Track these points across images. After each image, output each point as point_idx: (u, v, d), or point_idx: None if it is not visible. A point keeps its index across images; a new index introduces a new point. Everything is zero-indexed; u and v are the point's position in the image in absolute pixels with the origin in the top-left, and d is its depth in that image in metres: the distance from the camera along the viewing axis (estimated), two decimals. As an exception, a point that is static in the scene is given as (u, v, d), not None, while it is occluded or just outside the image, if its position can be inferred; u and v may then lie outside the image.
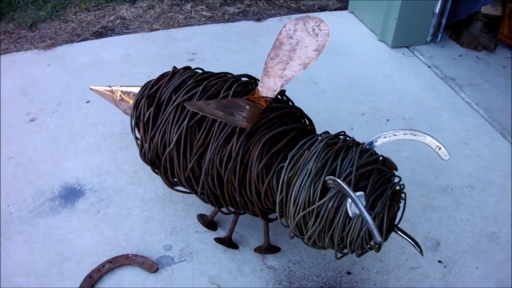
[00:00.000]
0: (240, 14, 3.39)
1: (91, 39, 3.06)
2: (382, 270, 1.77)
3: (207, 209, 1.94)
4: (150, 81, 1.79)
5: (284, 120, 1.56)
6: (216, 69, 2.90)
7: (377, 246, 1.42)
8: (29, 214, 1.94)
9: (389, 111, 2.54)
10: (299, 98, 2.62)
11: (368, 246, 1.39)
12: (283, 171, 1.43)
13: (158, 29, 3.18)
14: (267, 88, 1.59)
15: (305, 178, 1.38)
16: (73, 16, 3.23)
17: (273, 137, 1.49)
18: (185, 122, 1.56)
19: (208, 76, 1.72)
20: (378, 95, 2.67)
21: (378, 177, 1.39)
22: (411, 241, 1.43)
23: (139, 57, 2.92)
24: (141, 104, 1.72)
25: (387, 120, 2.48)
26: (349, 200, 1.30)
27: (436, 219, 1.98)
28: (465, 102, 2.61)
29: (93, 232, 1.88)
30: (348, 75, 2.84)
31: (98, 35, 3.10)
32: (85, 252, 1.80)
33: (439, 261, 1.82)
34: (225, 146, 1.50)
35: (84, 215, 1.95)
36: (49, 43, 2.94)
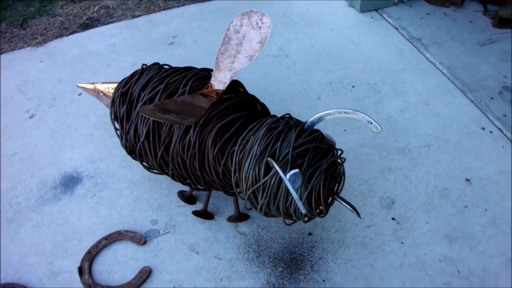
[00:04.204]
0: (218, -9, 3.51)
1: (79, 31, 3.26)
2: (340, 230, 2.02)
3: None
4: (124, 79, 2.01)
5: (235, 109, 1.77)
6: (195, 51, 3.10)
7: (320, 213, 1.66)
8: (35, 203, 2.24)
9: (355, 78, 2.70)
10: (271, 72, 2.82)
11: (313, 212, 1.64)
12: (235, 155, 1.66)
13: (140, 15, 3.35)
14: (219, 82, 1.79)
15: (251, 160, 1.61)
16: (60, 10, 3.42)
17: (224, 126, 1.71)
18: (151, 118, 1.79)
19: (170, 72, 1.92)
20: (345, 62, 2.82)
21: (314, 154, 1.60)
22: (349, 207, 1.66)
23: (123, 45, 3.12)
24: (116, 102, 1.96)
25: (353, 87, 2.65)
26: (288, 176, 1.53)
27: (393, 179, 2.19)
28: (429, 62, 2.74)
29: (90, 213, 2.17)
30: (318, 45, 2.98)
31: (85, 26, 3.29)
32: (84, 231, 2.10)
33: (393, 218, 2.05)
34: (185, 136, 1.74)
35: (82, 200, 2.24)
36: (40, 40, 3.16)
